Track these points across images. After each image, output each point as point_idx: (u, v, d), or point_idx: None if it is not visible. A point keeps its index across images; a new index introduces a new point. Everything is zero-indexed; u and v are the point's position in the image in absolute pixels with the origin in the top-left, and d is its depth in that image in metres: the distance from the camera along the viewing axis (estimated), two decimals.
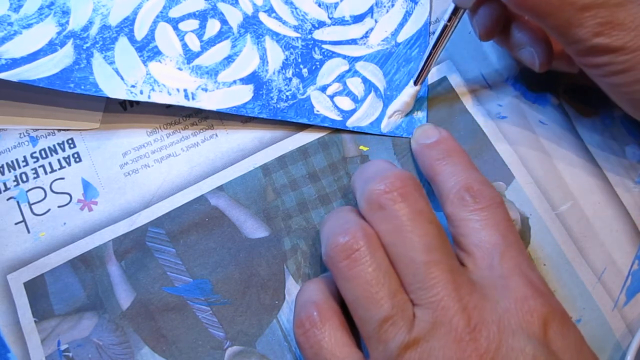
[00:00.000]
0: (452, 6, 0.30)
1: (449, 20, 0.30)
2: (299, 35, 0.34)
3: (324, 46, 0.34)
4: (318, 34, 0.34)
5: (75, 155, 0.32)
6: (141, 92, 0.32)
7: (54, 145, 0.32)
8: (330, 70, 0.34)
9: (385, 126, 0.32)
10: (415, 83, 0.32)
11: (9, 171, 0.32)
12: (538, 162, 0.32)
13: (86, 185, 0.32)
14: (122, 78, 0.32)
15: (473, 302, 0.24)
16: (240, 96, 0.33)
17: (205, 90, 0.32)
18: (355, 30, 0.35)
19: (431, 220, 0.25)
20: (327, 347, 0.25)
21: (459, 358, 0.23)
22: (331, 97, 0.33)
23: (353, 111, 0.33)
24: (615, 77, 0.27)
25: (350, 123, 0.33)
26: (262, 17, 0.34)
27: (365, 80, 0.34)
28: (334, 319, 0.25)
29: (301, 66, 0.34)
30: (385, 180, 0.26)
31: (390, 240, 0.25)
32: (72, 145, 0.32)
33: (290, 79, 0.33)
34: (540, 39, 0.30)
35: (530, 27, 0.30)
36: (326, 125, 0.33)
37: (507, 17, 0.30)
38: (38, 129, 0.32)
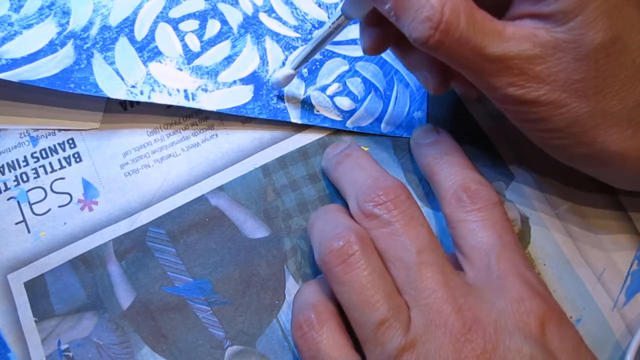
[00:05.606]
0: (339, 13, 0.27)
1: (334, 26, 0.28)
2: (299, 35, 0.34)
3: None
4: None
5: (76, 155, 0.32)
6: (141, 93, 0.32)
7: (54, 145, 0.32)
8: (331, 70, 0.34)
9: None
10: (294, 68, 0.31)
11: (10, 171, 0.32)
12: (538, 162, 0.32)
13: (86, 185, 0.32)
14: (122, 78, 0.32)
15: (468, 304, 0.24)
16: (240, 96, 0.33)
17: (206, 90, 0.32)
18: (356, 31, 0.35)
19: (422, 224, 0.26)
20: (325, 349, 0.25)
21: (455, 359, 0.23)
22: (331, 97, 0.33)
23: (353, 111, 0.33)
24: (528, 124, 0.27)
25: (350, 123, 0.33)
26: (262, 17, 0.34)
27: (365, 80, 0.34)
28: (331, 321, 0.25)
29: None
30: (378, 191, 0.26)
31: (383, 245, 0.26)
32: (72, 145, 0.32)
33: None
34: (436, 66, 0.28)
35: (427, 55, 0.27)
36: (326, 125, 0.33)
37: (401, 35, 0.26)
38: (38, 129, 0.32)
